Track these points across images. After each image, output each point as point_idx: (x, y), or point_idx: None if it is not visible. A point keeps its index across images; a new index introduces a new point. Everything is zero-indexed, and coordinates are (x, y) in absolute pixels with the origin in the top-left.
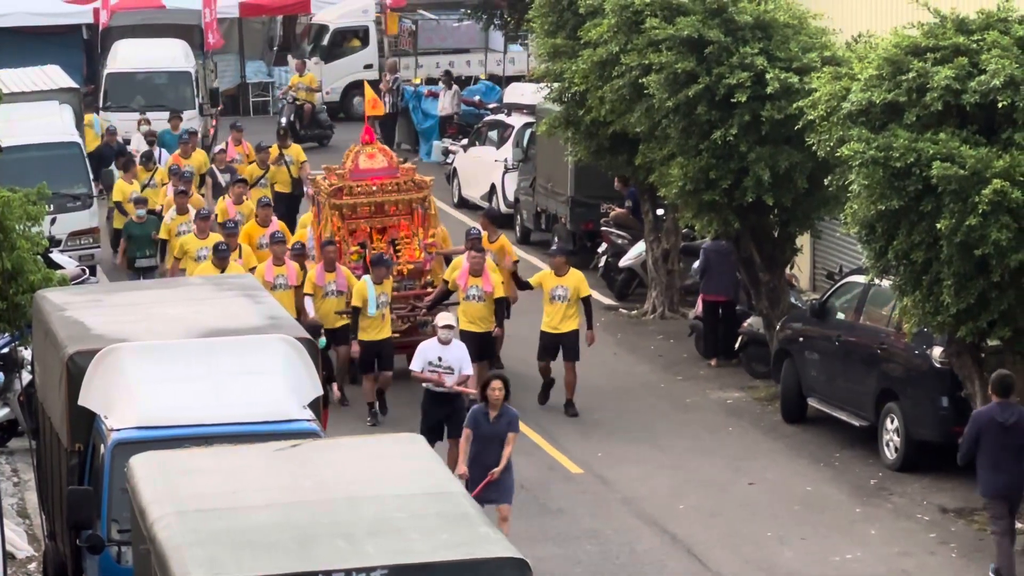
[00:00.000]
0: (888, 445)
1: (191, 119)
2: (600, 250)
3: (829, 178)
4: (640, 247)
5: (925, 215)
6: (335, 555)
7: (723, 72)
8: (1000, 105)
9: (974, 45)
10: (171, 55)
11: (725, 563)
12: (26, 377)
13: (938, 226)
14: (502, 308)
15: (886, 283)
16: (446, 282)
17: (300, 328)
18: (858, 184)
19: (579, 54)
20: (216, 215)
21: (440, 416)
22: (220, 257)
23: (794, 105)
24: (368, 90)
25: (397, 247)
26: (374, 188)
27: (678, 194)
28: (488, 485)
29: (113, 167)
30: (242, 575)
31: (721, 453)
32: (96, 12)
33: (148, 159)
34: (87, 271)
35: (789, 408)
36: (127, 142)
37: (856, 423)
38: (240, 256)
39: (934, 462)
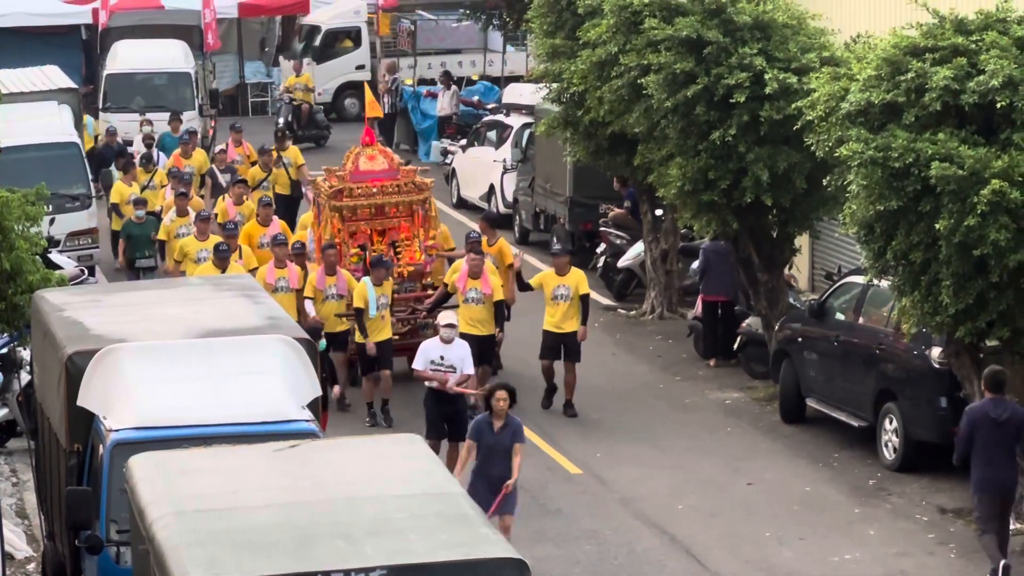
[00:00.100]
0: (887, 445)
1: (191, 120)
2: (599, 250)
3: (828, 178)
4: (639, 247)
5: (924, 215)
6: (334, 555)
7: (722, 72)
8: (999, 105)
9: (973, 45)
10: (171, 56)
11: (724, 563)
12: (25, 377)
13: (937, 226)
14: (502, 311)
15: (885, 283)
16: (446, 285)
17: (299, 328)
18: (857, 184)
19: (578, 54)
20: (216, 216)
21: (442, 414)
22: (221, 258)
23: (793, 105)
24: (368, 92)
25: (397, 249)
26: (374, 190)
27: (677, 194)
28: (490, 497)
29: (113, 168)
30: (241, 575)
31: (720, 453)
32: (95, 12)
33: (148, 161)
34: (86, 271)
35: (788, 408)
36: (128, 143)
37: (855, 423)
38: (240, 257)
39: (933, 462)
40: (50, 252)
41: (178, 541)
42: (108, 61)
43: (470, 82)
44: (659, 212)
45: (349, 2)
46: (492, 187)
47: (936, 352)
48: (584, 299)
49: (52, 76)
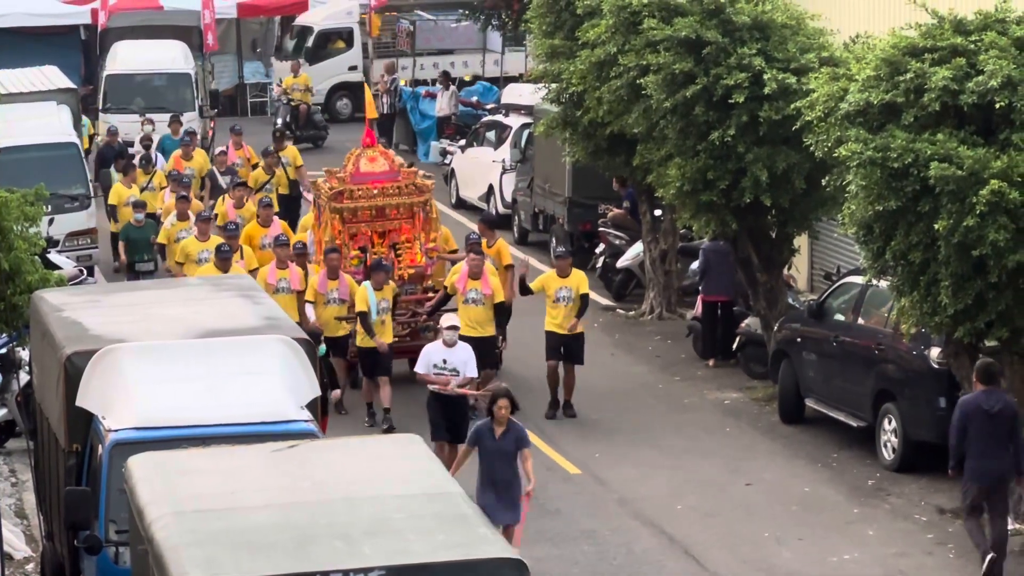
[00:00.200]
0: (886, 446)
1: (190, 121)
2: (598, 251)
3: (827, 179)
4: (638, 248)
5: (923, 216)
6: (333, 556)
7: (721, 73)
8: (998, 106)
9: (972, 46)
10: (171, 56)
11: (723, 563)
12: (24, 378)
13: (936, 227)
14: (503, 314)
15: (884, 284)
16: (446, 288)
17: (298, 329)
18: (856, 185)
19: (577, 55)
20: (216, 218)
21: (446, 417)
22: (222, 259)
23: (792, 106)
24: (368, 92)
25: (398, 251)
26: (375, 192)
27: (676, 195)
28: (498, 505)
29: (112, 169)
30: (240, 575)
31: (719, 454)
32: (94, 13)
33: (147, 162)
34: (85, 272)
35: (787, 408)
36: (129, 144)
37: (854, 424)
38: (241, 258)
39: (932, 463)
40: (49, 252)
41: (177, 541)
42: (108, 62)
43: (463, 83)
44: (658, 212)
45: (341, 3)
46: (491, 187)
47: (935, 352)
48: (584, 298)
49: (51, 76)
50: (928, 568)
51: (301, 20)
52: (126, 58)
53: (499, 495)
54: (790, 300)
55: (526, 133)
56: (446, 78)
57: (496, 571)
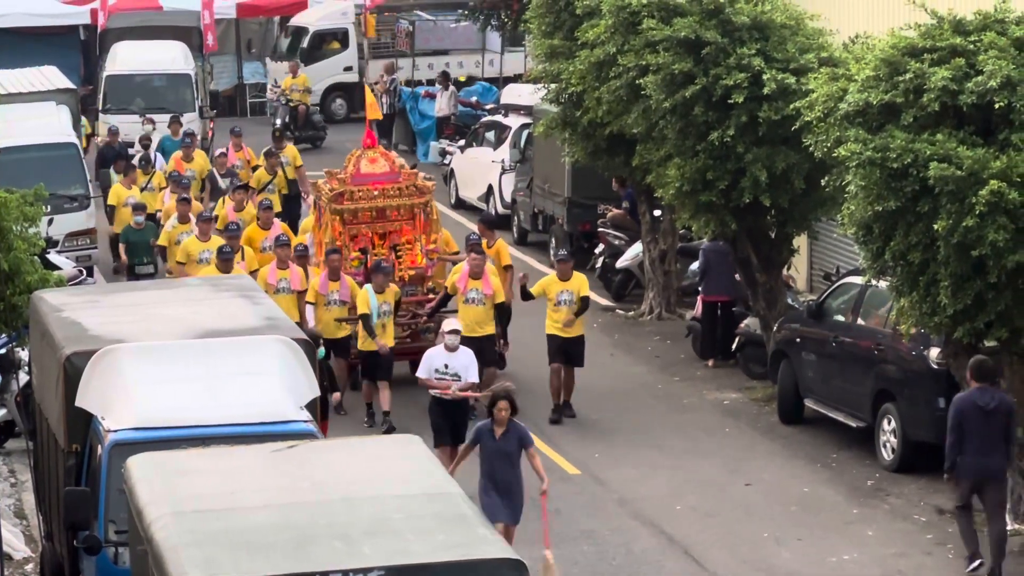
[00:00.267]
0: (885, 446)
1: (190, 122)
2: (597, 251)
3: (826, 179)
4: (637, 248)
5: (922, 216)
6: (332, 556)
7: (720, 73)
8: (997, 106)
9: (971, 46)
10: (171, 57)
11: (722, 564)
12: (23, 378)
13: (935, 227)
14: (503, 315)
15: (883, 284)
16: (446, 288)
17: (297, 329)
18: (855, 185)
19: (576, 55)
20: (216, 220)
21: (448, 422)
22: (224, 260)
23: (791, 106)
24: (369, 94)
25: (399, 252)
26: (375, 193)
27: (675, 195)
28: (497, 505)
29: (111, 170)
30: (239, 575)
31: (718, 454)
32: (93, 13)
33: (146, 162)
34: (84, 272)
35: (786, 409)
36: (130, 144)
37: (853, 424)
38: (243, 259)
39: (931, 463)
40: (48, 253)
41: (176, 542)
42: (108, 62)
43: (458, 83)
44: (657, 213)
45: (336, 3)
46: (490, 188)
47: (934, 353)
48: (584, 300)
49: (50, 77)
50: (927, 568)
51: (296, 20)
52: (126, 58)
53: (500, 495)
54: (789, 300)
55: (525, 133)
56: (445, 78)
57: (495, 571)
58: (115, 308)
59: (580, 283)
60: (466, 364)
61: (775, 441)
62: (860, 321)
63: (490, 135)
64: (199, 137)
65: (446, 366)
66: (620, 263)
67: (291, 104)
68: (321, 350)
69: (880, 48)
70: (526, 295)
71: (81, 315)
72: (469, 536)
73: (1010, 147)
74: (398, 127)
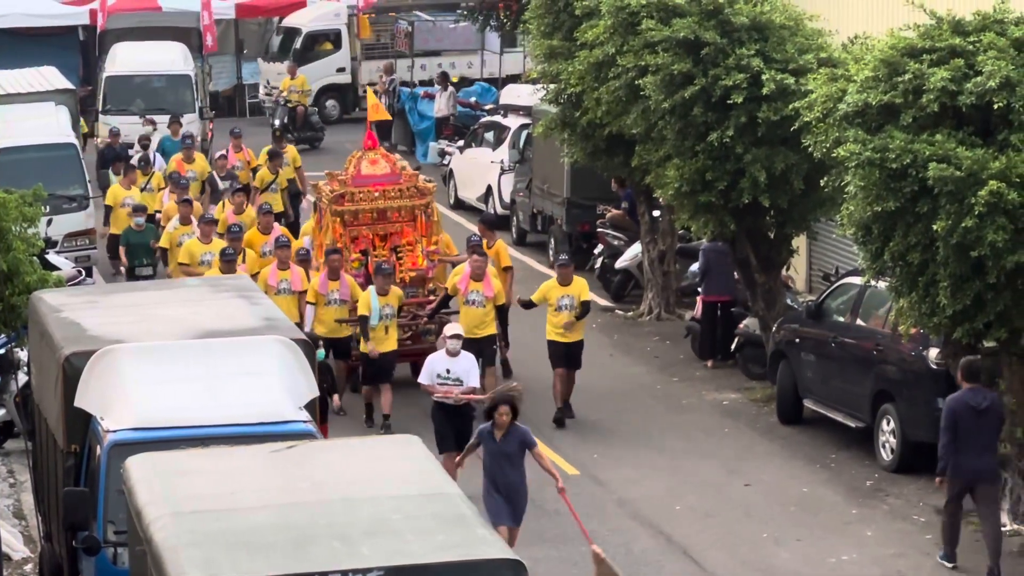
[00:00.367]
0: (884, 446)
1: (190, 123)
2: (596, 251)
3: (825, 179)
4: (636, 248)
5: (921, 216)
6: (331, 556)
7: (719, 73)
8: (996, 107)
9: (970, 47)
10: (170, 58)
11: (721, 564)
12: (22, 378)
13: (934, 227)
14: (505, 318)
15: (882, 284)
16: (446, 289)
17: (296, 329)
18: (854, 185)
19: (575, 55)
20: (216, 224)
21: (451, 428)
22: (227, 261)
23: (790, 106)
24: (371, 95)
25: (399, 254)
26: (376, 194)
27: (674, 195)
28: (500, 507)
29: (110, 170)
30: None
31: (717, 454)
32: (92, 13)
33: (145, 163)
34: (83, 272)
35: (785, 409)
36: (130, 145)
37: (852, 424)
38: (244, 261)
39: (930, 463)
40: (47, 253)
41: (175, 542)
42: (107, 63)
43: (451, 83)
44: (656, 213)
45: (329, 5)
46: (489, 188)
47: (934, 353)
48: (585, 304)
49: (49, 77)
50: (926, 569)
51: (288, 21)
52: (126, 59)
53: (503, 497)
54: (788, 301)
55: (524, 134)
56: (444, 79)
57: (494, 572)
58: (114, 308)
59: (581, 288)
60: (468, 368)
61: (774, 441)
62: (859, 322)
63: (489, 135)
64: (199, 139)
65: (448, 371)
66: (619, 263)
67: (290, 105)
68: (320, 351)
69: (879, 49)
70: (527, 305)
71: (80, 315)
72: (468, 536)
73: (1009, 147)
74: (397, 128)
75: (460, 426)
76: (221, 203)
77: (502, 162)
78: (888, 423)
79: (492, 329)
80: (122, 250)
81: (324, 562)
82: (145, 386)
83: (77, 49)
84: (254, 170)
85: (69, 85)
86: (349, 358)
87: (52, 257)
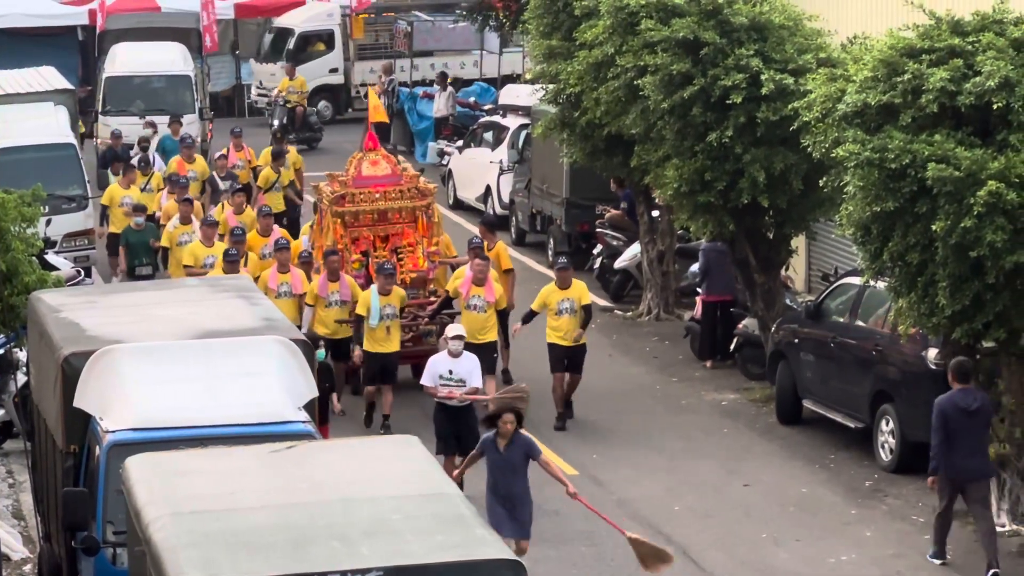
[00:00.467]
0: (883, 447)
1: (190, 123)
2: (595, 252)
3: (824, 180)
4: (635, 249)
5: (920, 217)
6: (330, 556)
7: (718, 74)
8: (995, 107)
9: (969, 47)
10: (170, 58)
11: (720, 564)
12: (21, 379)
13: (933, 228)
14: (506, 322)
15: (881, 285)
16: (448, 292)
17: (295, 330)
18: (853, 186)
19: (574, 55)
20: (217, 225)
21: (452, 430)
22: (230, 262)
23: (789, 107)
24: (372, 96)
25: (400, 255)
26: (377, 195)
27: (673, 196)
28: (502, 518)
29: (109, 171)
30: None
31: (716, 455)
32: (92, 13)
33: (145, 164)
34: (82, 272)
35: (784, 409)
36: (130, 147)
37: (851, 425)
38: (246, 264)
39: (929, 464)
40: (46, 253)
41: (175, 542)
42: (107, 64)
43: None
44: (655, 213)
45: (322, 5)
46: (489, 188)
47: (932, 353)
48: (587, 309)
49: (48, 77)
50: (925, 569)
51: (281, 22)
52: (125, 60)
53: (506, 508)
54: (787, 301)
55: (524, 134)
56: (443, 79)
57: (493, 572)
58: (113, 308)
59: (581, 291)
60: (470, 369)
61: (773, 442)
62: (858, 322)
63: (488, 136)
64: (198, 139)
65: (450, 372)
66: (618, 264)
67: (289, 105)
68: (320, 352)
69: (878, 49)
70: (529, 317)
71: (79, 315)
72: (467, 537)
73: (1008, 148)
74: (396, 128)
75: (462, 428)
76: (220, 204)
77: (501, 162)
78: (887, 423)
79: (493, 335)
80: (122, 250)
81: (323, 562)
82: (144, 386)
83: (76, 49)
84: (254, 170)
85: (68, 85)
86: (348, 359)
87: (51, 257)
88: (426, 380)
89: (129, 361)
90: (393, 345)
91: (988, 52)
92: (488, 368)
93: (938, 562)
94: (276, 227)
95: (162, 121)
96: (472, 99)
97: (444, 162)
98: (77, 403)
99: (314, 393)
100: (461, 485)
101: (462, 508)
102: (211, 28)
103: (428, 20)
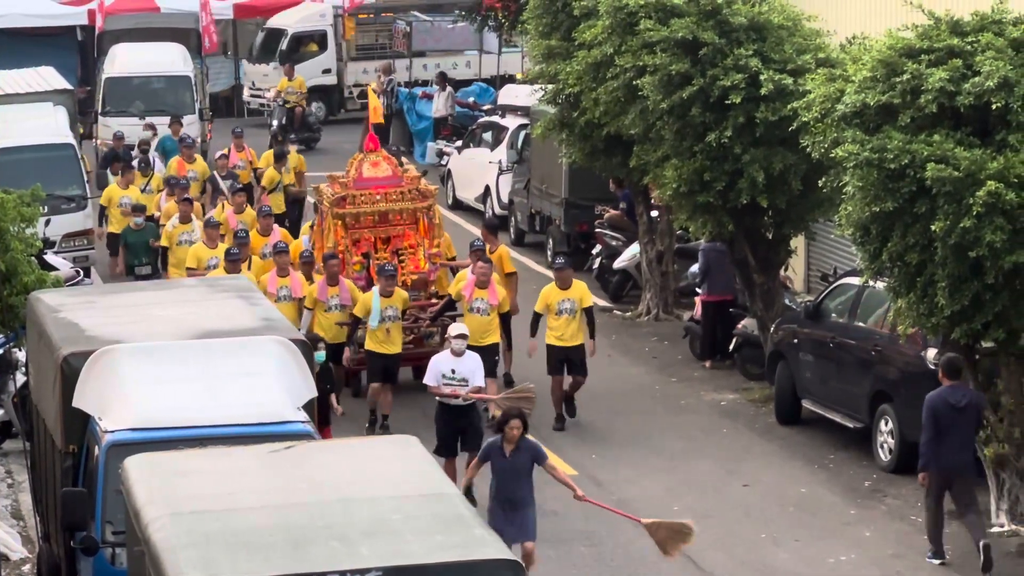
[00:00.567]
0: (882, 447)
1: (190, 124)
2: (594, 252)
3: (823, 180)
4: (634, 249)
5: (919, 217)
6: (330, 557)
7: (717, 74)
8: (994, 107)
9: (968, 47)
10: (170, 59)
11: (719, 565)
12: (20, 379)
13: (932, 228)
14: (508, 325)
15: (880, 285)
16: (450, 294)
17: (294, 330)
18: (852, 186)
19: (573, 55)
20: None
21: (454, 429)
22: (232, 261)
23: (788, 107)
24: (372, 97)
25: (401, 257)
26: (378, 197)
27: (672, 196)
28: (508, 524)
29: (108, 171)
30: None
31: (715, 455)
32: (91, 13)
33: (145, 165)
34: (81, 273)
35: (783, 410)
36: (131, 147)
37: (850, 425)
38: (249, 267)
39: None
40: (45, 253)
41: (174, 542)
42: (106, 64)
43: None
44: (654, 213)
45: (314, 6)
46: (488, 189)
47: (932, 354)
48: (589, 311)
49: (48, 77)
50: (925, 569)
51: (273, 23)
52: (125, 61)
53: (508, 514)
54: (787, 301)
55: (523, 134)
56: (443, 79)
57: (493, 572)
58: (112, 309)
59: (581, 292)
60: (473, 368)
61: (772, 442)
62: (858, 322)
63: (487, 136)
64: (198, 140)
65: (453, 371)
66: (617, 264)
67: (288, 106)
68: (321, 354)
69: (877, 49)
70: (535, 322)
71: (78, 316)
72: (466, 537)
73: (1007, 148)
74: (395, 128)
75: (465, 427)
76: (220, 205)
77: (500, 162)
78: (886, 423)
79: (496, 338)
80: (122, 250)
81: (323, 562)
82: (143, 386)
83: (75, 49)
84: (255, 170)
85: (67, 85)
86: (340, 362)
87: (50, 257)
88: (429, 379)
89: (128, 361)
90: (394, 347)
91: (987, 52)
92: (490, 370)
93: (937, 562)
94: (276, 227)
95: (162, 122)
96: (471, 99)
97: (443, 162)
98: (76, 403)
99: (313, 393)
100: (469, 491)
101: (461, 508)
102: (210, 28)
103: (427, 20)
